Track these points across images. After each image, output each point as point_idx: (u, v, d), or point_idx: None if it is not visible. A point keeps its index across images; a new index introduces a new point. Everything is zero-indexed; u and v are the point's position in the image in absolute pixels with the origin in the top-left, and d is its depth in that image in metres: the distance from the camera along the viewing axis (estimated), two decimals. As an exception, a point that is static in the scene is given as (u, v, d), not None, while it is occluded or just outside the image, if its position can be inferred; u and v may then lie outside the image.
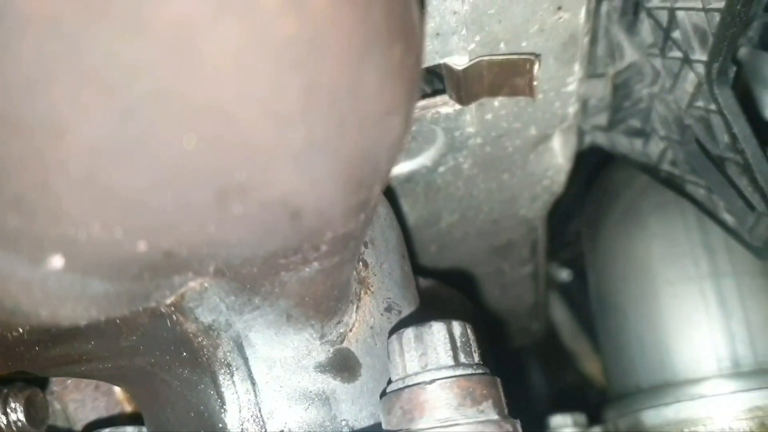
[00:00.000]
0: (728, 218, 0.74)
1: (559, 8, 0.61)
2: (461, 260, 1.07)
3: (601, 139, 0.90)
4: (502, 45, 0.63)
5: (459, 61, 0.64)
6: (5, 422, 0.46)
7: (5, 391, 0.49)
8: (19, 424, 0.47)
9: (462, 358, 0.48)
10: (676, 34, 0.67)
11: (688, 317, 0.79)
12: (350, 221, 0.40)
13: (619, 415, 0.81)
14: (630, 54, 0.75)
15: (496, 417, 0.46)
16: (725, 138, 0.68)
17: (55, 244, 0.30)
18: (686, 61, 0.67)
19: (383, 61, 0.30)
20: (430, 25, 0.60)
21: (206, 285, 0.45)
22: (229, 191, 0.31)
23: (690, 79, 0.69)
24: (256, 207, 0.33)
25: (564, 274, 1.52)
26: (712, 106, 0.67)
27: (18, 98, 0.25)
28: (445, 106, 0.70)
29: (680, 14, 0.65)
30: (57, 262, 0.31)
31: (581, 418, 0.90)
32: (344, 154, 0.33)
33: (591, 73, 0.79)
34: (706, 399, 0.74)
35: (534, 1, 0.60)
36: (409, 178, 0.82)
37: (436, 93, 0.70)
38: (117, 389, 0.67)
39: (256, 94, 0.27)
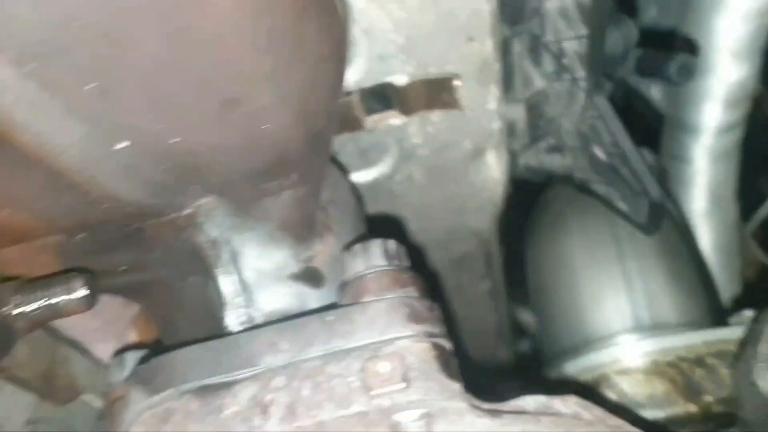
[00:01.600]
0: (622, 206, 0.95)
1: (471, 39, 0.84)
2: (423, 269, 1.26)
3: (530, 159, 1.11)
4: (431, 68, 0.86)
5: (400, 80, 0.86)
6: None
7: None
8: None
9: (395, 262, 0.67)
10: (565, 61, 0.90)
11: (600, 292, 0.98)
12: (306, 147, 0.60)
13: (548, 372, 0.99)
14: (538, 82, 0.97)
15: (416, 295, 0.65)
16: (608, 138, 0.90)
17: (124, 131, 0.51)
18: (573, 80, 0.89)
19: (317, 22, 0.51)
20: (376, 50, 0.82)
21: (212, 204, 0.65)
22: (227, 102, 0.52)
23: (579, 96, 0.91)
24: (245, 117, 0.53)
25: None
26: (595, 114, 0.88)
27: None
28: (393, 118, 0.92)
29: (565, 44, 0.88)
30: (123, 143, 0.51)
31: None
32: (296, 84, 0.54)
33: (511, 99, 1.01)
34: (613, 348, 0.92)
35: (452, 34, 0.83)
36: (372, 185, 1.03)
37: (385, 110, 0.92)
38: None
39: (243, 33, 0.48)
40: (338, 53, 0.56)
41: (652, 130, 1.13)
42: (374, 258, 0.66)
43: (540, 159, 1.08)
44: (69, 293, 0.61)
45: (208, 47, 0.47)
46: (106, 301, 0.86)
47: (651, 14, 1.14)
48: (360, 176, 1.03)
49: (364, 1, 0.78)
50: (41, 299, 0.61)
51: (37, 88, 0.44)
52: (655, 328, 0.93)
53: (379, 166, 1.01)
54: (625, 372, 0.89)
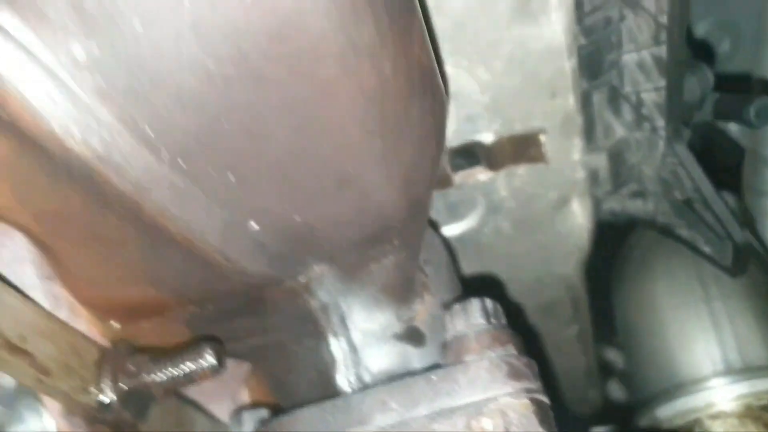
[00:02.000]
0: (707, 249, 0.96)
1: (554, 95, 0.88)
2: (511, 319, 1.28)
3: (614, 204, 1.13)
4: (517, 124, 0.90)
5: (486, 138, 0.90)
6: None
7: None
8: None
9: (493, 320, 0.71)
10: (644, 111, 0.92)
11: (688, 334, 0.99)
12: (408, 215, 0.65)
13: (640, 417, 0.99)
14: (619, 131, 1.00)
15: (515, 353, 0.68)
16: (689, 184, 0.91)
17: (258, 213, 0.56)
18: (653, 130, 0.92)
19: (423, 104, 0.56)
20: (464, 112, 0.87)
21: (324, 271, 0.70)
22: (342, 181, 0.57)
23: (659, 144, 0.93)
24: (357, 194, 0.58)
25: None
26: (675, 160, 0.90)
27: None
28: (481, 174, 0.96)
29: (644, 95, 0.91)
30: (254, 226, 0.57)
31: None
32: (402, 160, 0.58)
33: (593, 149, 1.04)
34: (705, 392, 0.92)
35: (536, 92, 0.87)
36: (459, 239, 1.07)
37: (472, 166, 0.97)
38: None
39: (358, 119, 0.53)
40: (439, 129, 0.61)
41: (733, 170, 1.14)
42: (474, 317, 0.70)
43: (623, 204, 1.10)
44: (200, 362, 0.66)
45: (328, 134, 0.52)
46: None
47: (726, 58, 1.16)
48: (449, 230, 1.07)
49: (452, 68, 0.83)
50: (175, 369, 0.66)
51: (187, 180, 0.51)
52: (746, 371, 0.93)
53: (468, 219, 1.05)
54: (717, 416, 0.89)
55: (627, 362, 1.12)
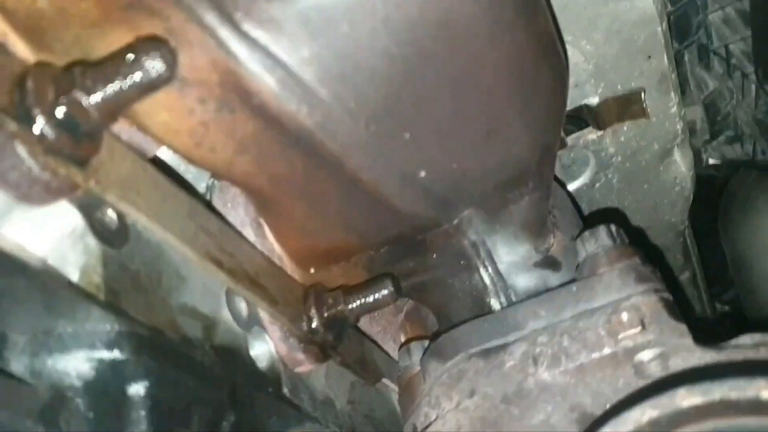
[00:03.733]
0: (806, 178, 1.06)
1: (649, 57, 1.01)
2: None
3: (713, 153, 1.25)
4: (618, 86, 1.03)
5: (593, 101, 1.05)
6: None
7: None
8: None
9: (618, 240, 0.85)
10: (734, 61, 1.04)
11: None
12: (541, 160, 0.80)
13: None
14: (711, 83, 1.12)
15: (640, 263, 0.82)
16: (785, 119, 1.02)
17: (425, 164, 0.73)
18: (744, 76, 1.03)
19: (549, 65, 0.72)
20: (571, 80, 1.02)
21: (472, 214, 0.86)
22: (489, 132, 0.73)
23: (752, 88, 1.05)
24: (501, 142, 0.75)
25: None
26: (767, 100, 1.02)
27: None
28: (590, 134, 1.10)
29: (731, 46, 1.03)
30: (422, 173, 0.74)
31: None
32: (536, 113, 0.74)
33: (689, 103, 1.16)
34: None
35: (633, 56, 1.01)
36: (575, 196, 1.21)
37: (582, 128, 1.11)
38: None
39: (503, 80, 0.69)
40: (563, 85, 0.76)
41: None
42: (602, 239, 0.85)
43: (721, 151, 1.21)
44: (382, 291, 0.83)
45: (479, 95, 0.69)
46: (381, 311, 1.10)
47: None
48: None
49: (559, 44, 0.98)
50: (364, 298, 0.84)
51: (376, 140, 0.68)
52: None
53: (582, 177, 1.19)
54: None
55: (743, 297, 1.22)
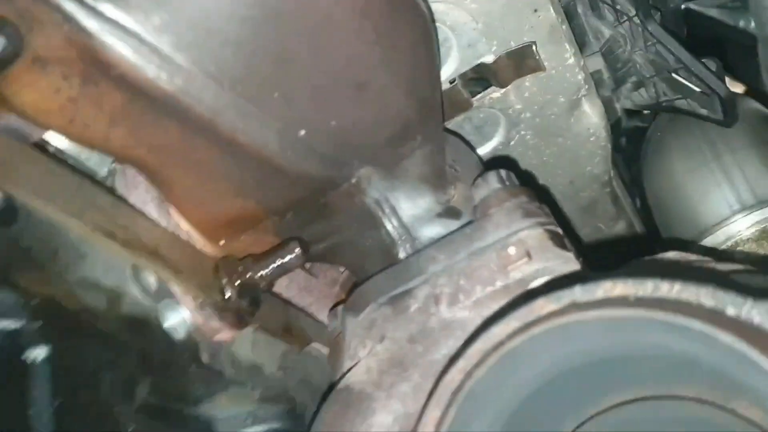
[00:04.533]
0: (703, 111, 1.10)
1: (536, 10, 1.05)
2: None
3: (624, 102, 1.29)
4: (511, 42, 1.07)
5: (488, 59, 1.09)
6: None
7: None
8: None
9: (507, 182, 0.89)
10: (619, 7, 1.08)
11: (705, 189, 1.14)
12: (421, 112, 0.84)
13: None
14: (606, 32, 1.16)
15: (526, 200, 0.85)
16: (671, 56, 1.06)
17: (302, 122, 0.77)
18: (629, 19, 1.08)
19: (406, 17, 0.76)
20: (464, 41, 1.06)
21: (369, 172, 0.89)
22: (359, 86, 0.77)
23: (639, 31, 1.09)
24: (373, 96, 0.78)
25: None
26: (653, 39, 1.06)
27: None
28: (494, 92, 1.14)
29: (614, -7, 1.07)
30: (302, 132, 0.77)
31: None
32: (402, 64, 0.78)
33: (589, 53, 1.20)
34: (725, 228, 1.07)
35: (519, 11, 1.05)
36: (493, 156, 1.24)
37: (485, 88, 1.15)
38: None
39: (357, 34, 0.73)
40: (426, 37, 0.80)
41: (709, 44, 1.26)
42: (492, 183, 0.89)
43: (630, 97, 1.25)
44: (290, 253, 0.87)
45: (337, 50, 0.73)
46: (313, 282, 1.13)
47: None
48: (481, 150, 1.25)
49: (443, 5, 1.02)
50: (273, 262, 0.87)
51: (245, 102, 0.72)
52: (759, 203, 1.07)
53: (495, 137, 1.23)
54: (737, 245, 1.03)
55: (662, 231, 1.27)
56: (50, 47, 0.63)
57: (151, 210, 0.86)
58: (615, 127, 1.34)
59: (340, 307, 0.97)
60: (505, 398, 0.64)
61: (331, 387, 0.85)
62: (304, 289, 1.11)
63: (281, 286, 1.07)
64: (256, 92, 0.72)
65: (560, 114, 1.21)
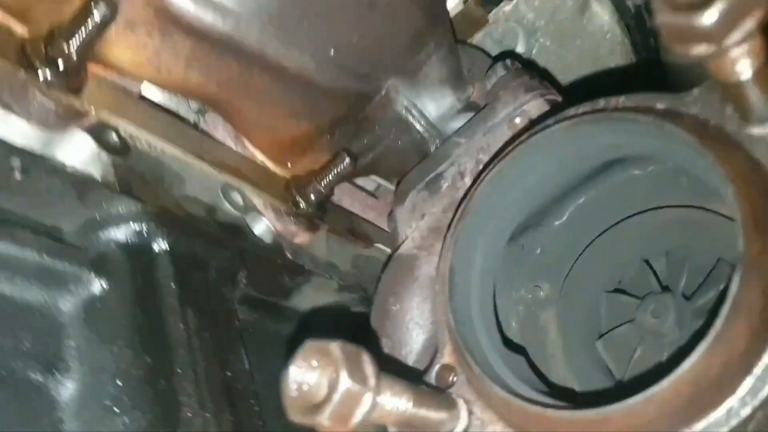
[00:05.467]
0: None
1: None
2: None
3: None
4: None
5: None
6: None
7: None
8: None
9: (511, 68, 1.05)
10: None
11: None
12: (429, 19, 1.02)
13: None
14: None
15: (528, 77, 1.01)
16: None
17: (329, 43, 0.96)
18: None
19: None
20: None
21: (396, 83, 1.08)
22: (370, 3, 0.95)
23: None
24: (383, 9, 0.96)
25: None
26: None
27: None
28: (506, 5, 1.29)
29: None
30: (332, 52, 0.96)
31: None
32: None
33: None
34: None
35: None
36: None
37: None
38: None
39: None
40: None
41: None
42: (499, 71, 1.05)
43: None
44: (342, 161, 1.06)
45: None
46: (374, 201, 1.32)
47: None
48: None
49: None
50: (331, 172, 1.07)
51: (283, 32, 0.91)
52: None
53: (518, 47, 1.37)
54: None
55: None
56: (135, 10, 0.84)
57: (231, 143, 1.08)
58: (640, 27, 1.46)
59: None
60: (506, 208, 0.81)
61: (389, 259, 1.04)
62: (368, 207, 1.30)
63: (347, 204, 1.28)
64: (289, 22, 0.91)
65: (572, 17, 1.35)
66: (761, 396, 0.60)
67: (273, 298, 1.09)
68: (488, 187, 0.78)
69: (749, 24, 0.52)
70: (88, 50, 0.81)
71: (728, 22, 0.51)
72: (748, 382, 0.60)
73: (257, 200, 1.05)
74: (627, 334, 0.88)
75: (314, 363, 0.60)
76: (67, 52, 0.80)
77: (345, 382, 0.59)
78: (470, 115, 1.10)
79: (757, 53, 0.56)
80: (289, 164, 1.12)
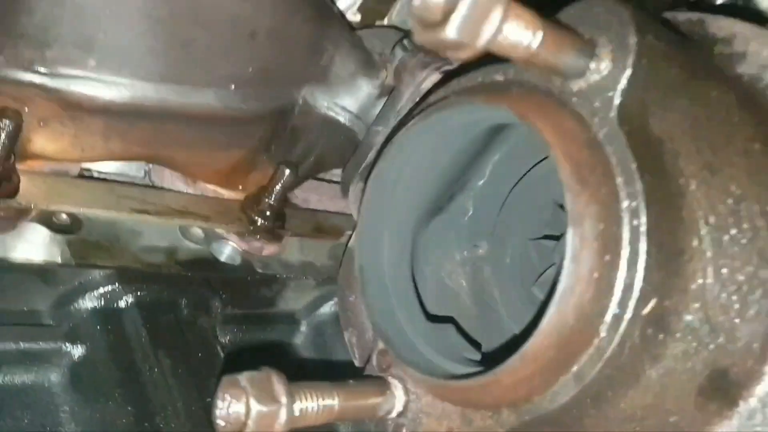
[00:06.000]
0: None
1: None
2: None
3: None
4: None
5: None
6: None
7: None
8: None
9: (408, 48, 1.09)
10: None
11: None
12: (316, 29, 1.07)
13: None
14: None
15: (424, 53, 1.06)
16: None
17: (222, 81, 1.03)
18: None
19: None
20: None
21: (310, 90, 1.14)
22: (251, 33, 1.01)
23: None
24: (266, 35, 1.02)
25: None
26: None
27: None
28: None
29: None
30: (232, 86, 1.03)
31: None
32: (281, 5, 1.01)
33: None
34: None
35: None
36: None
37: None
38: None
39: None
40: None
41: None
42: (398, 53, 1.10)
43: None
44: (283, 175, 1.13)
45: (223, 18, 0.97)
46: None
47: None
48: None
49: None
50: (275, 186, 1.15)
51: (178, 85, 0.99)
52: None
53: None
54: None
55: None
56: (43, 109, 0.94)
57: (180, 185, 1.17)
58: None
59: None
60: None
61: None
62: (336, 197, 1.38)
63: (314, 201, 1.36)
64: (180, 75, 0.99)
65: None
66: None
67: (258, 311, 1.19)
68: (374, 184, 0.84)
69: (494, 21, 0.56)
70: (10, 157, 0.91)
71: (469, 28, 0.55)
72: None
73: (217, 228, 1.15)
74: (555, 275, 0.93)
75: (227, 397, 0.69)
76: (-9, 167, 0.90)
77: (255, 406, 0.68)
78: (386, 97, 1.15)
79: (524, 29, 0.59)
80: (240, 186, 1.20)
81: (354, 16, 1.24)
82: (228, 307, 1.10)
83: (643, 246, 0.64)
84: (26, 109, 0.93)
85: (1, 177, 0.91)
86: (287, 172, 1.14)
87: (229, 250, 1.16)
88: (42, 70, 0.92)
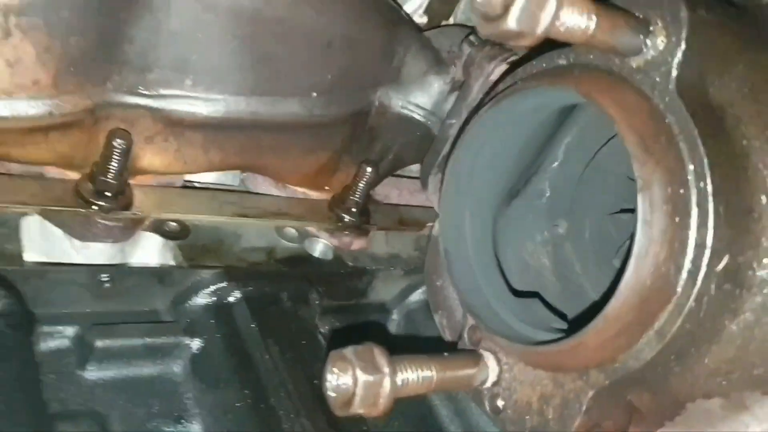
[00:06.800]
0: None
1: None
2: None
3: None
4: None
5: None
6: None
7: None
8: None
9: (476, 43, 1.15)
10: None
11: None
12: (386, 33, 1.14)
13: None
14: None
15: (490, 45, 1.12)
16: None
17: (306, 90, 1.11)
18: None
19: None
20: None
21: (385, 90, 1.21)
22: (327, 43, 1.09)
23: None
24: (341, 44, 1.10)
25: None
26: None
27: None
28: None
29: None
30: (314, 94, 1.12)
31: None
32: (352, 15, 1.09)
33: None
34: None
35: None
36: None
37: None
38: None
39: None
40: None
41: None
42: (465, 49, 1.16)
43: None
44: (366, 172, 1.21)
45: (302, 32, 1.06)
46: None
47: None
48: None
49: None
50: (359, 183, 1.23)
51: (267, 96, 1.08)
52: None
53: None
54: None
55: None
56: (148, 128, 1.04)
57: (273, 190, 1.27)
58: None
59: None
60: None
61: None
62: (416, 191, 1.45)
63: (395, 197, 1.43)
64: (266, 88, 1.08)
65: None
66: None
67: (353, 301, 1.27)
68: (452, 172, 0.90)
69: (550, 9, 0.61)
70: (124, 173, 1.02)
71: (528, 17, 0.61)
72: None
73: (309, 227, 1.24)
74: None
75: (335, 370, 0.77)
76: (108, 182, 1.01)
77: (361, 376, 0.75)
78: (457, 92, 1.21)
79: (579, 14, 0.64)
80: (326, 187, 1.29)
81: (421, 18, 1.31)
82: (325, 299, 1.18)
83: (711, 206, 0.68)
84: (134, 128, 1.03)
85: (117, 191, 1.02)
86: (369, 170, 1.22)
87: (321, 246, 1.24)
88: (145, 92, 1.02)
